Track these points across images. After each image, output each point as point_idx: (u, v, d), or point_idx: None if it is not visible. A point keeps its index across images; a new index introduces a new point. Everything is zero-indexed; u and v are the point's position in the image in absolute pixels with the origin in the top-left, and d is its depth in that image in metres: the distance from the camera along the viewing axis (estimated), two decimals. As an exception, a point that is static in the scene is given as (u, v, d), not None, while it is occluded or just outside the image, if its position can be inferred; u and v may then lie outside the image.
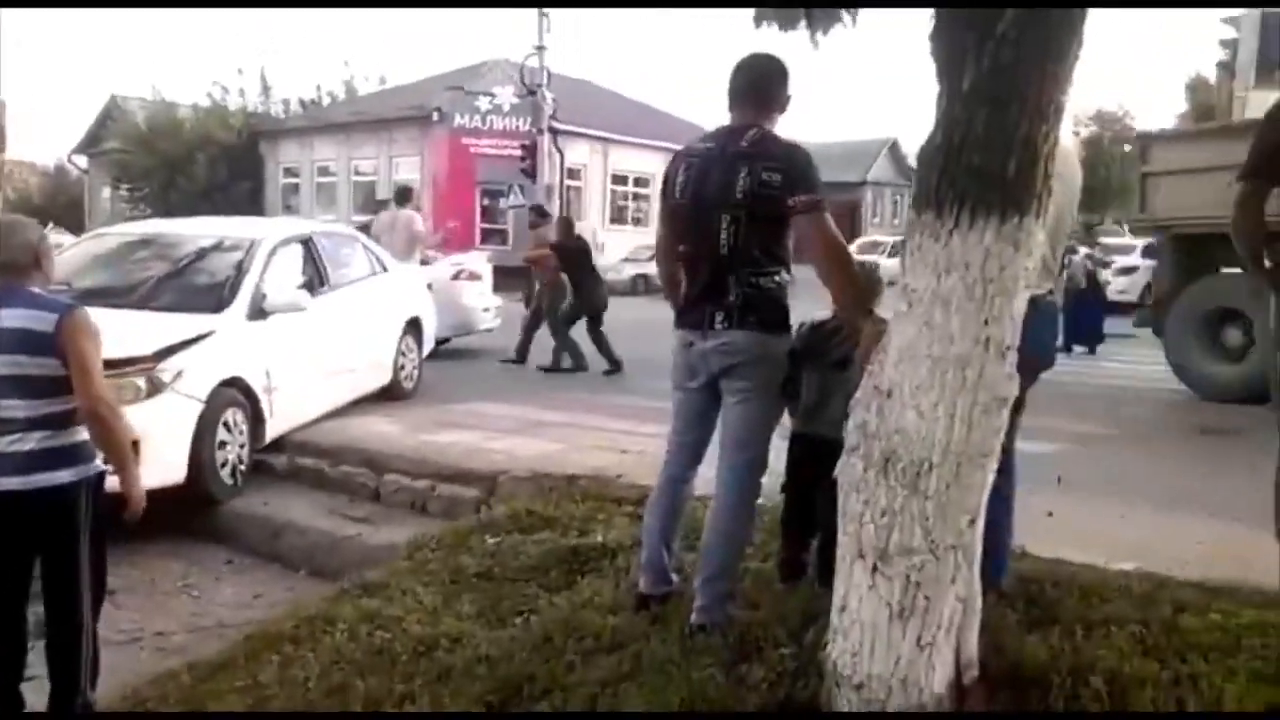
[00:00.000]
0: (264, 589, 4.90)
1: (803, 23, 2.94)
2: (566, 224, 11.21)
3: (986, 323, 2.53)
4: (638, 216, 29.62)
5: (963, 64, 2.55)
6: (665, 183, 3.43)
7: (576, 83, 27.48)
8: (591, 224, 27.25)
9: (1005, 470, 3.20)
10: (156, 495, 5.23)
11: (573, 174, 26.67)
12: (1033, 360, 3.10)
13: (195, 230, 7.25)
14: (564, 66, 25.40)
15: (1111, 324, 14.70)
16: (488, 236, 24.18)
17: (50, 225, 17.13)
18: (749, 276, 3.21)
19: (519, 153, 22.18)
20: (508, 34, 47.78)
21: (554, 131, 23.90)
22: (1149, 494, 5.00)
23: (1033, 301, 3.07)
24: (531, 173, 21.63)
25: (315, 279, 7.10)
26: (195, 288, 6.27)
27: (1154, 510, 4.68)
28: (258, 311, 6.20)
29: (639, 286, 23.54)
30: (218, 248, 6.64)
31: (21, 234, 3.24)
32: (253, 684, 3.36)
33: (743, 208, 3.15)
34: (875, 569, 2.61)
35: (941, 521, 2.56)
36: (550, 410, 7.61)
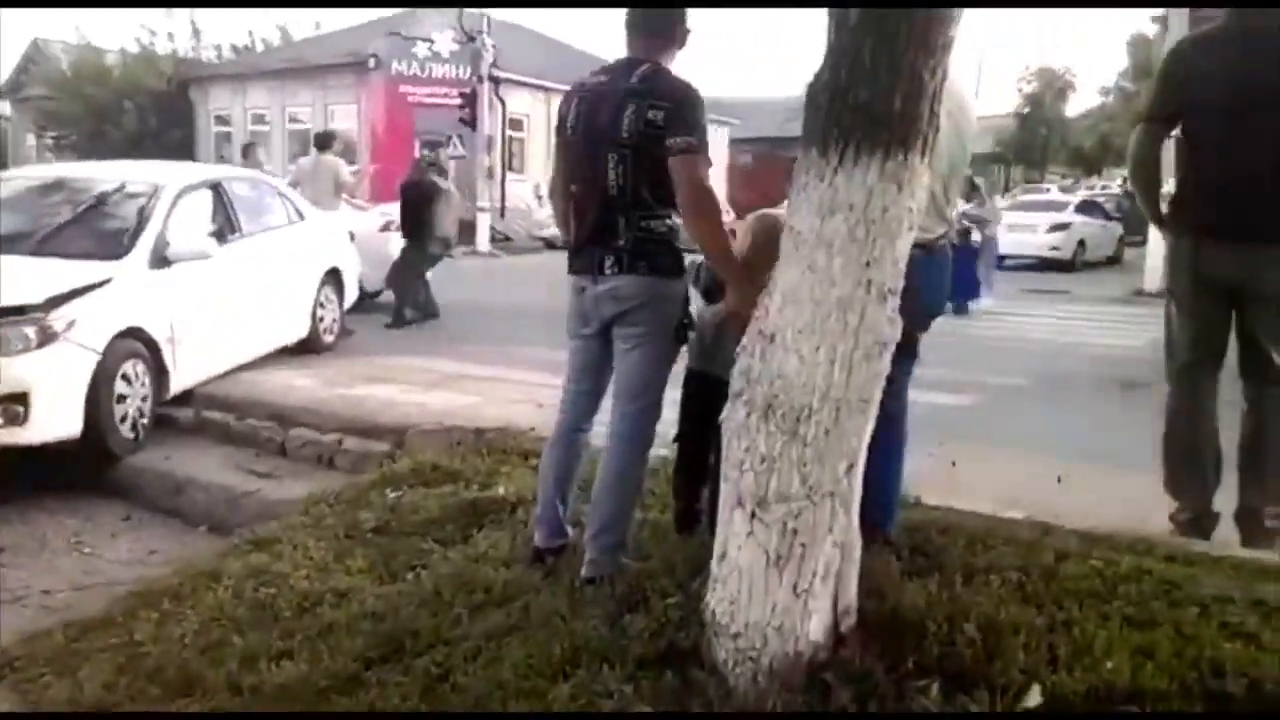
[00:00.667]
0: (161, 545, 4.75)
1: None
2: (423, 164, 10.70)
3: (868, 265, 2.47)
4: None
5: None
6: (559, 118, 3.32)
7: (516, 29, 26.97)
8: (534, 177, 26.94)
9: (896, 418, 3.18)
10: (50, 449, 5.14)
11: (515, 124, 26.23)
12: (924, 306, 3.06)
13: (102, 174, 6.95)
14: (502, 13, 24.91)
15: (1040, 280, 14.92)
16: (427, 188, 23.72)
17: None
18: (639, 219, 3.12)
19: (458, 102, 21.73)
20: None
21: (495, 80, 23.44)
22: (1056, 445, 5.04)
23: (925, 246, 3.03)
24: (471, 122, 21.23)
25: (226, 226, 6.84)
26: (95, 234, 6.01)
27: (1059, 461, 4.71)
28: (160, 260, 5.96)
29: (581, 240, 23.32)
30: (120, 192, 6.36)
31: None
32: (128, 641, 3.24)
33: (629, 146, 3.05)
34: (754, 516, 2.56)
35: (819, 468, 2.51)
36: (472, 364, 7.48)
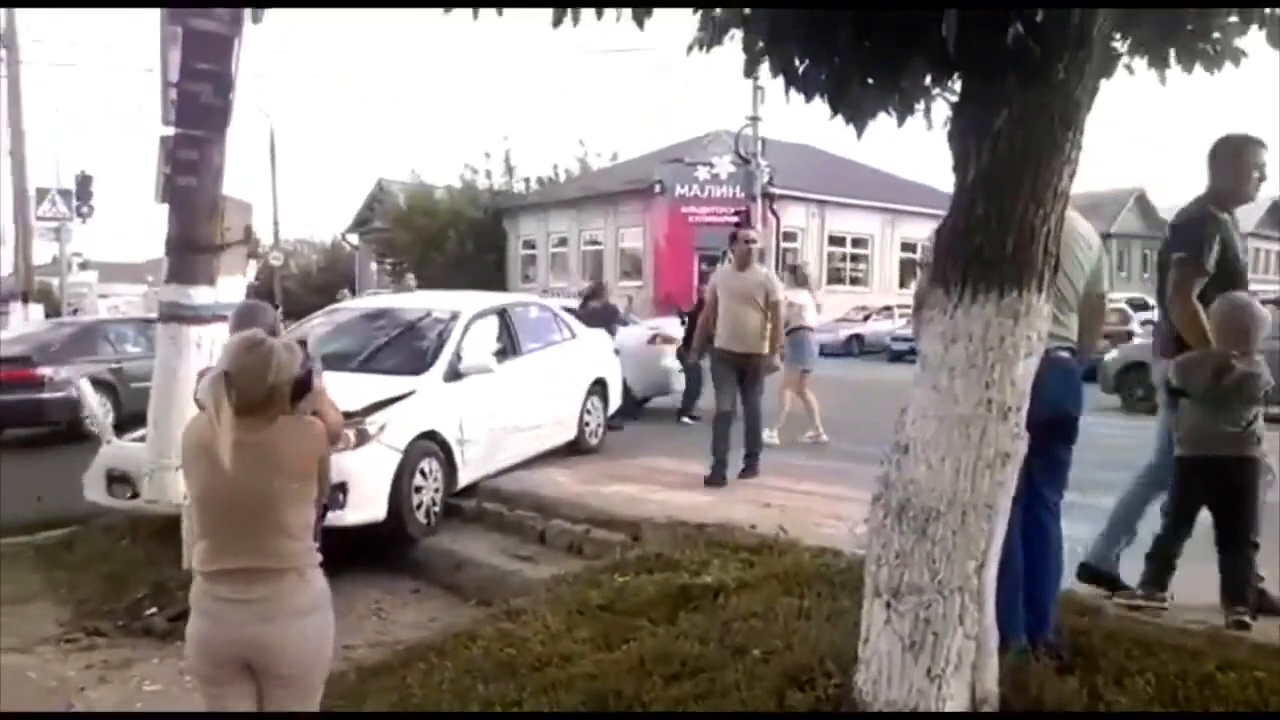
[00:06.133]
0: (439, 615, 5.64)
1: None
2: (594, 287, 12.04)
3: (988, 386, 2.84)
4: (855, 276, 29.63)
5: (969, 158, 2.91)
6: None
7: (795, 147, 28.08)
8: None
9: (1046, 525, 3.39)
10: (362, 531, 6.25)
11: (789, 236, 27.14)
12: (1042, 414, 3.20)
13: (409, 304, 8.37)
14: (781, 132, 26.13)
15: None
16: (706, 300, 24.98)
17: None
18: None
19: (734, 219, 22.98)
20: (730, 106, 49.75)
21: (770, 196, 24.59)
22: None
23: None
24: (745, 239, 22.32)
25: (508, 345, 8.01)
26: (403, 353, 7.28)
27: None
28: (454, 374, 7.11)
29: (853, 347, 23.58)
30: (425, 319, 7.68)
31: (261, 316, 4.17)
32: (401, 683, 4.05)
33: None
34: (889, 605, 2.93)
35: (948, 565, 2.85)
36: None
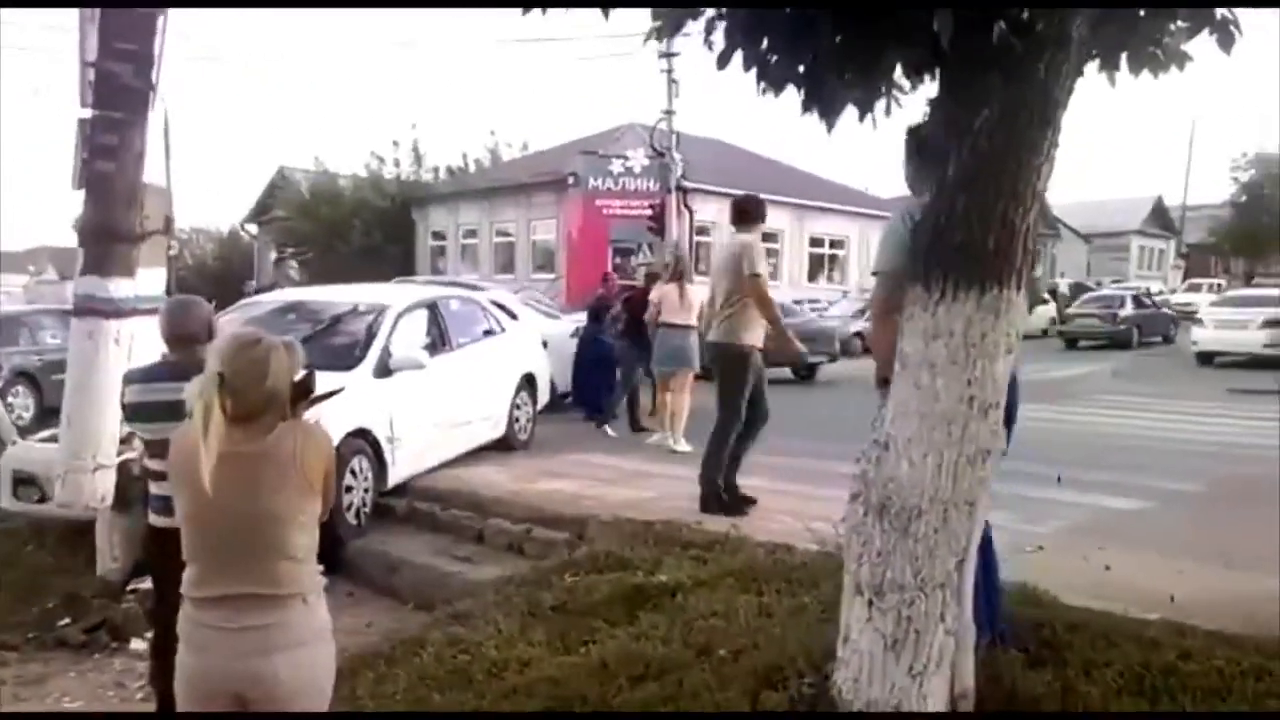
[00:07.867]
0: (376, 619, 5.44)
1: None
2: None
3: (969, 383, 2.84)
4: (769, 272, 29.91)
5: (948, 155, 2.90)
6: None
7: (707, 141, 28.18)
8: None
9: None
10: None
11: (702, 230, 27.23)
12: None
13: (334, 297, 8.09)
14: (696, 126, 26.22)
15: (1248, 378, 14.13)
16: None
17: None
18: None
19: (649, 212, 22.97)
20: (644, 99, 49.84)
21: (684, 190, 24.62)
22: (1220, 552, 4.96)
23: None
24: (659, 231, 22.37)
25: (438, 340, 7.80)
26: (331, 348, 6.99)
27: (1218, 568, 4.68)
28: (384, 369, 6.89)
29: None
30: (353, 313, 7.42)
31: (197, 311, 3.92)
32: (350, 695, 3.85)
33: None
34: (871, 604, 2.92)
35: (930, 562, 2.86)
36: (656, 463, 7.97)
